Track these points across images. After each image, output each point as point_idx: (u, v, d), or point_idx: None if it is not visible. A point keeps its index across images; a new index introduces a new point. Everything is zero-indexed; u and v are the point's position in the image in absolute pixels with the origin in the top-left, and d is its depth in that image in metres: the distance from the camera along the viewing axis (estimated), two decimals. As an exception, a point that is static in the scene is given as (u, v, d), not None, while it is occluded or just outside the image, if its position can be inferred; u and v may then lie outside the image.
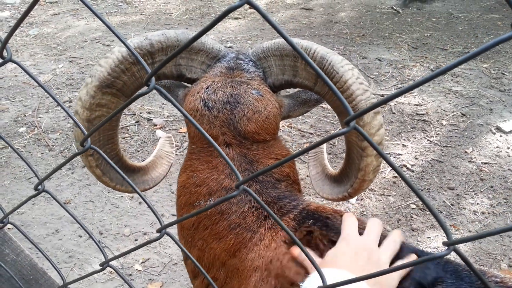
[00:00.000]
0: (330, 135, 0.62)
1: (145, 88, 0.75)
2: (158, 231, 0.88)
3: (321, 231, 1.25)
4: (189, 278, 1.66)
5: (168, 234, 0.90)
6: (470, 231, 3.40)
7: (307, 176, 3.74)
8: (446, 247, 0.62)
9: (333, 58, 1.30)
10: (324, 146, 1.80)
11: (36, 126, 4.73)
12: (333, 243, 1.22)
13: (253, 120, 1.39)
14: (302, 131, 4.64)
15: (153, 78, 0.73)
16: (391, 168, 3.99)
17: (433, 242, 3.32)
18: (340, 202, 3.73)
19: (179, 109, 0.78)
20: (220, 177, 1.39)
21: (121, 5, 8.84)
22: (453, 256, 1.23)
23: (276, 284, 1.22)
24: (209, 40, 1.49)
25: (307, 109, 1.63)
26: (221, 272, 1.38)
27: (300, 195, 1.48)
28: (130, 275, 3.07)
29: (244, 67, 1.48)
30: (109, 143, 1.48)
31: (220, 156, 1.37)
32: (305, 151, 0.68)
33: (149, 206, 0.89)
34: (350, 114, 0.62)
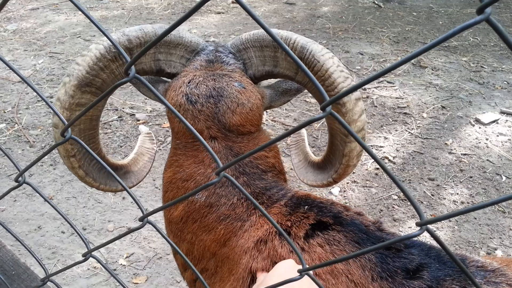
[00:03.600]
0: (308, 120, 0.64)
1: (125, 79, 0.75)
2: (140, 219, 0.89)
3: (316, 216, 1.28)
4: (180, 271, 1.67)
5: (150, 223, 0.90)
6: (450, 221, 3.47)
7: (291, 169, 3.77)
8: (419, 228, 0.65)
9: (313, 47, 1.32)
10: (305, 134, 1.83)
11: (16, 123, 4.65)
12: (325, 224, 1.25)
13: (237, 113, 1.39)
14: (285, 125, 4.67)
15: (133, 67, 0.73)
16: (373, 160, 4.05)
17: (414, 231, 3.38)
18: (324, 194, 3.77)
19: (159, 98, 0.78)
20: (207, 171, 1.39)
21: (102, 0, 8.72)
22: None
23: (266, 265, 1.23)
24: (187, 33, 1.49)
25: (288, 99, 1.65)
26: (211, 262, 1.39)
27: (286, 184, 1.50)
28: (115, 269, 3.06)
29: (224, 59, 1.48)
30: (90, 143, 1.47)
31: (206, 150, 1.38)
32: (282, 137, 0.69)
33: (132, 196, 0.90)
34: (326, 100, 0.64)
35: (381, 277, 1.11)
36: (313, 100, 5.12)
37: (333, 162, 1.49)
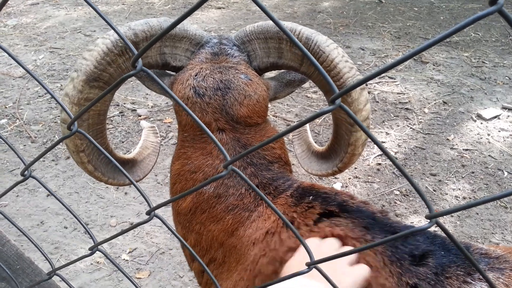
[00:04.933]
0: (316, 113, 0.64)
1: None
2: (148, 213, 0.89)
3: (321, 205, 1.28)
4: (187, 262, 1.68)
5: (158, 217, 0.91)
6: (452, 216, 3.48)
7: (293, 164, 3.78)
8: (429, 220, 0.65)
9: (318, 38, 1.33)
10: (307, 124, 1.85)
11: (18, 118, 4.65)
12: (331, 213, 1.25)
13: (244, 105, 1.40)
14: (287, 120, 4.67)
15: (140, 60, 0.73)
16: (375, 156, 4.04)
17: (424, 224, 3.39)
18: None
19: (167, 92, 0.78)
20: (215, 162, 1.40)
21: (102, -5, 8.70)
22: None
23: (275, 257, 1.23)
24: (192, 26, 1.49)
25: (292, 90, 1.66)
26: (219, 252, 1.40)
27: (292, 175, 1.51)
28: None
29: (228, 52, 1.49)
30: (98, 137, 1.47)
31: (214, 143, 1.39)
32: (291, 129, 0.69)
33: (139, 191, 0.90)
34: (335, 92, 0.64)
35: (391, 261, 1.12)
36: (314, 96, 5.12)
37: (338, 152, 1.51)
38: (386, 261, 1.13)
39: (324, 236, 1.21)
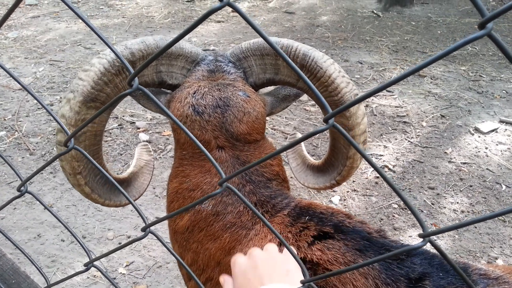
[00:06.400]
0: (311, 132, 0.65)
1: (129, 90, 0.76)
2: (143, 230, 0.89)
3: (316, 226, 1.28)
4: (184, 281, 1.66)
5: (153, 233, 0.91)
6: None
7: (291, 177, 3.77)
8: (422, 239, 0.65)
9: (315, 54, 1.34)
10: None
11: (17, 130, 4.66)
12: (326, 234, 1.25)
13: (244, 122, 1.41)
14: (285, 133, 4.68)
15: (136, 79, 0.74)
16: (373, 169, 4.03)
17: (414, 240, 3.38)
18: (324, 202, 3.76)
19: (164, 111, 0.79)
20: (213, 180, 1.40)
21: (102, 8, 8.77)
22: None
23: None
24: (187, 44, 1.50)
25: (287, 104, 1.67)
26: (216, 272, 1.39)
27: (290, 193, 1.51)
28: (115, 278, 3.04)
29: (224, 69, 1.49)
30: (94, 158, 1.46)
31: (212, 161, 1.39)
32: (288, 147, 0.70)
33: (137, 210, 0.90)
34: (329, 112, 0.64)
35: (387, 284, 1.11)
36: (313, 109, 5.14)
37: (336, 165, 1.51)
38: (379, 285, 1.12)
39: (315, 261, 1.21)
